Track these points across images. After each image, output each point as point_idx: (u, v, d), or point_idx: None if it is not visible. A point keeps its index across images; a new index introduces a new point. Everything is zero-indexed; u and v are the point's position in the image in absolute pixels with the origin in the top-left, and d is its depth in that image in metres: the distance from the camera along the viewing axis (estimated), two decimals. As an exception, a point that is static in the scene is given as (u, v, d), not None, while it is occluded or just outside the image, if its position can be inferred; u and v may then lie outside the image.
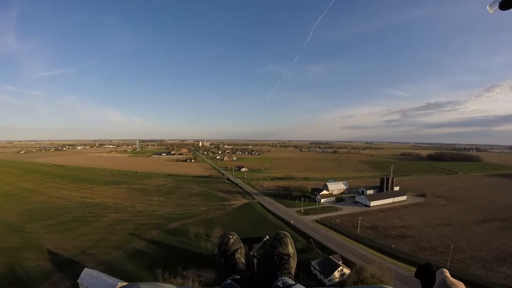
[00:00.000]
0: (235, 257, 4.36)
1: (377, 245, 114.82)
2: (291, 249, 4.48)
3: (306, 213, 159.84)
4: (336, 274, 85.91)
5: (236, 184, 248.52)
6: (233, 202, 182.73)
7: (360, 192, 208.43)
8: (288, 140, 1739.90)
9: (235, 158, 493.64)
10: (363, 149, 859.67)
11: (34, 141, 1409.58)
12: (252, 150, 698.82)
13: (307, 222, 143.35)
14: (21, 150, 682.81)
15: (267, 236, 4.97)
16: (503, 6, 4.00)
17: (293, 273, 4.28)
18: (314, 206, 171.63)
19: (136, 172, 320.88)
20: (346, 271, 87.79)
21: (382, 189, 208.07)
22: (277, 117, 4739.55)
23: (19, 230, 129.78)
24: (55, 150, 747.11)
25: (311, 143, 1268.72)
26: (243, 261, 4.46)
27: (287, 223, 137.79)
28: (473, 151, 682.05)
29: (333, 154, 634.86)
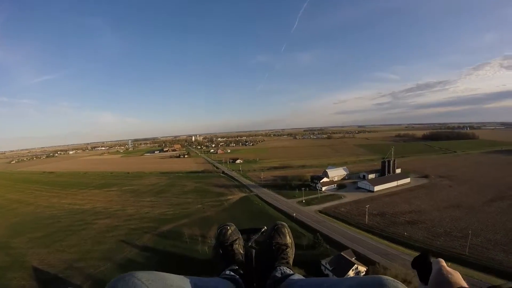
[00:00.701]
0: (233, 247, 4.32)
1: (389, 234, 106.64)
2: (289, 239, 4.40)
3: (308, 203, 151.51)
4: (351, 273, 76.21)
5: (232, 177, 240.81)
6: (229, 197, 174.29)
7: (361, 176, 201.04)
8: (282, 129, 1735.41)
9: (229, 151, 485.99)
10: (357, 133, 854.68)
11: (27, 149, 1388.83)
12: (246, 141, 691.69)
13: (310, 213, 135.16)
14: (12, 160, 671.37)
15: (265, 227, 4.90)
16: None
17: (291, 263, 4.26)
18: (316, 195, 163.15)
19: (128, 173, 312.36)
20: (362, 269, 78.88)
21: (384, 173, 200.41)
22: (269, 107, 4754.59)
23: (5, 246, 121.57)
24: (47, 157, 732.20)
25: (304, 130, 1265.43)
26: (241, 251, 4.40)
27: (289, 216, 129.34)
28: (466, 129, 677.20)
29: (328, 140, 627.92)
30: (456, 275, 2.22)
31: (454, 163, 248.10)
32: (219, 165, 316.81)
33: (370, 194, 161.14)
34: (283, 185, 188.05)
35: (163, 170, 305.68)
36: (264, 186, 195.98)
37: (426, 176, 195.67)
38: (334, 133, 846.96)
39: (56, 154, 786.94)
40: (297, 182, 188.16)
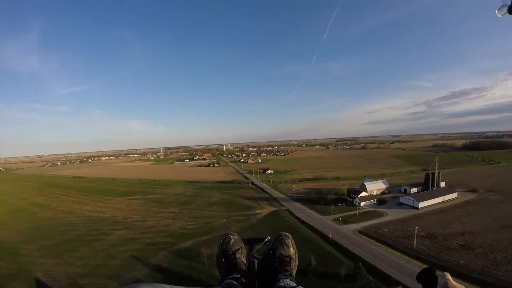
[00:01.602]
0: (236, 256, 4.38)
1: (442, 263, 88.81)
2: (292, 251, 4.41)
3: (345, 221, 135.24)
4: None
5: (262, 189, 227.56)
6: (258, 211, 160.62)
7: (403, 191, 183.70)
8: (313, 139, 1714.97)
9: (259, 160, 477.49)
10: (392, 143, 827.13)
11: (63, 154, 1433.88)
12: (277, 151, 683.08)
13: (349, 233, 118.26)
14: (46, 164, 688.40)
15: (268, 237, 5.08)
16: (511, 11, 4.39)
17: (294, 275, 4.27)
18: (354, 212, 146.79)
19: (155, 181, 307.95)
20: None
21: (427, 187, 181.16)
22: (301, 117, 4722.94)
23: (14, 252, 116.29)
24: (80, 162, 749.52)
25: (337, 140, 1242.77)
26: (244, 261, 4.46)
27: (325, 237, 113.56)
28: (506, 138, 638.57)
29: (362, 150, 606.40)
30: None
31: (500, 175, 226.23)
32: (248, 175, 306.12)
33: (414, 212, 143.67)
34: (317, 199, 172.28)
35: (191, 179, 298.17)
36: (296, 199, 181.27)
37: (473, 190, 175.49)
38: (367, 143, 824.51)
39: (89, 160, 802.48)
40: (332, 196, 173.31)
